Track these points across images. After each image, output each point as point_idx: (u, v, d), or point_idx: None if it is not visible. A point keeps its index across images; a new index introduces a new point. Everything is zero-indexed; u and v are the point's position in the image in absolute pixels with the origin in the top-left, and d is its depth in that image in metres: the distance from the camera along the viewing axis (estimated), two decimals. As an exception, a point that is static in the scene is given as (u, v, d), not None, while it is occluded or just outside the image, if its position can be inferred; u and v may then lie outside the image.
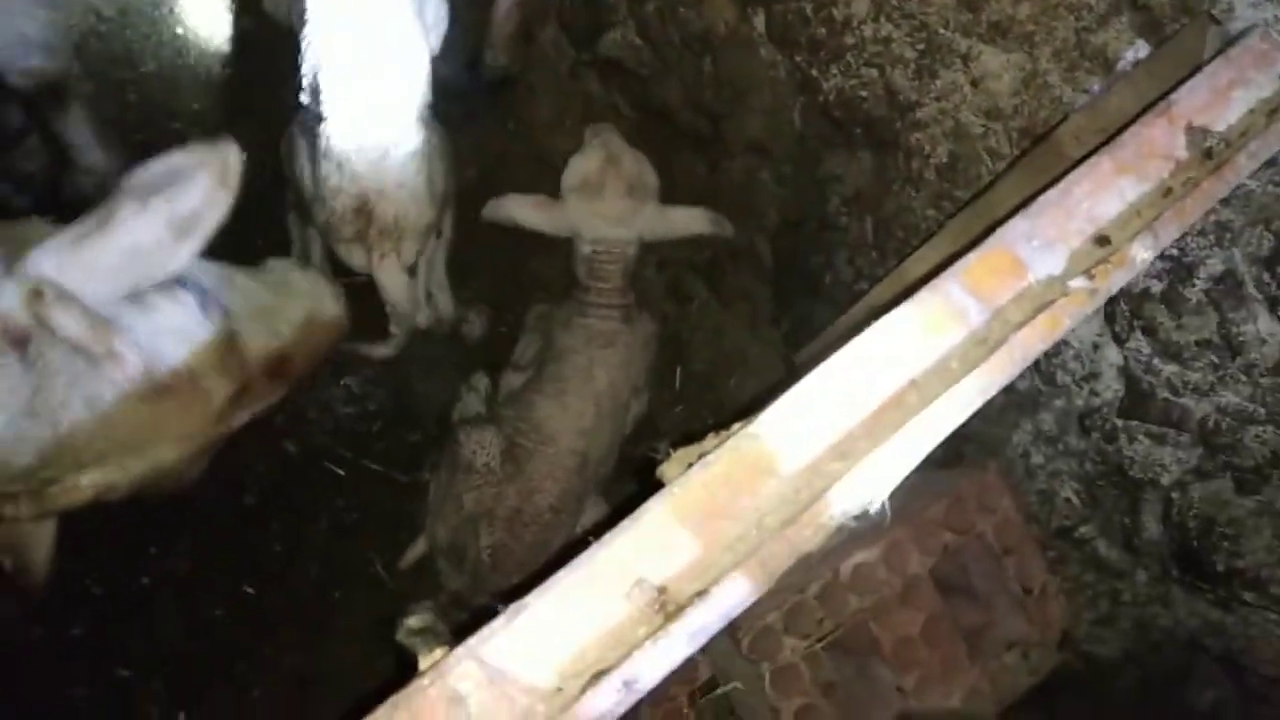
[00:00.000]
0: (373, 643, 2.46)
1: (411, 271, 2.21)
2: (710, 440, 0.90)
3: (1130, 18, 1.66)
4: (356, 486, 2.48)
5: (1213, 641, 2.10)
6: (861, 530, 1.89)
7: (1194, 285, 1.80)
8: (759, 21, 2.42)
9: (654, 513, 0.84)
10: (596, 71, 2.95)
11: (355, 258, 2.15)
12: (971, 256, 0.97)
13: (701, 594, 0.80)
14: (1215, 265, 1.74)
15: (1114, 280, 0.98)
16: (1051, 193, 1.02)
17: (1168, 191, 1.05)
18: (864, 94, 2.29)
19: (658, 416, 2.73)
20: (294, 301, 1.80)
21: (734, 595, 0.80)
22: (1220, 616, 2.07)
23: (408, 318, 2.25)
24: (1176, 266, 1.78)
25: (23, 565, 1.65)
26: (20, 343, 1.31)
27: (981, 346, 0.94)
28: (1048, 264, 0.98)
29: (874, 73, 2.20)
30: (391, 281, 2.16)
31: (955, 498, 2.12)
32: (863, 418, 0.90)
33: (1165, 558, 2.11)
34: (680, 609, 0.79)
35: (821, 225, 2.52)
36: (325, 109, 2.03)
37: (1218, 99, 1.10)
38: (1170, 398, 1.94)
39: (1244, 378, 1.82)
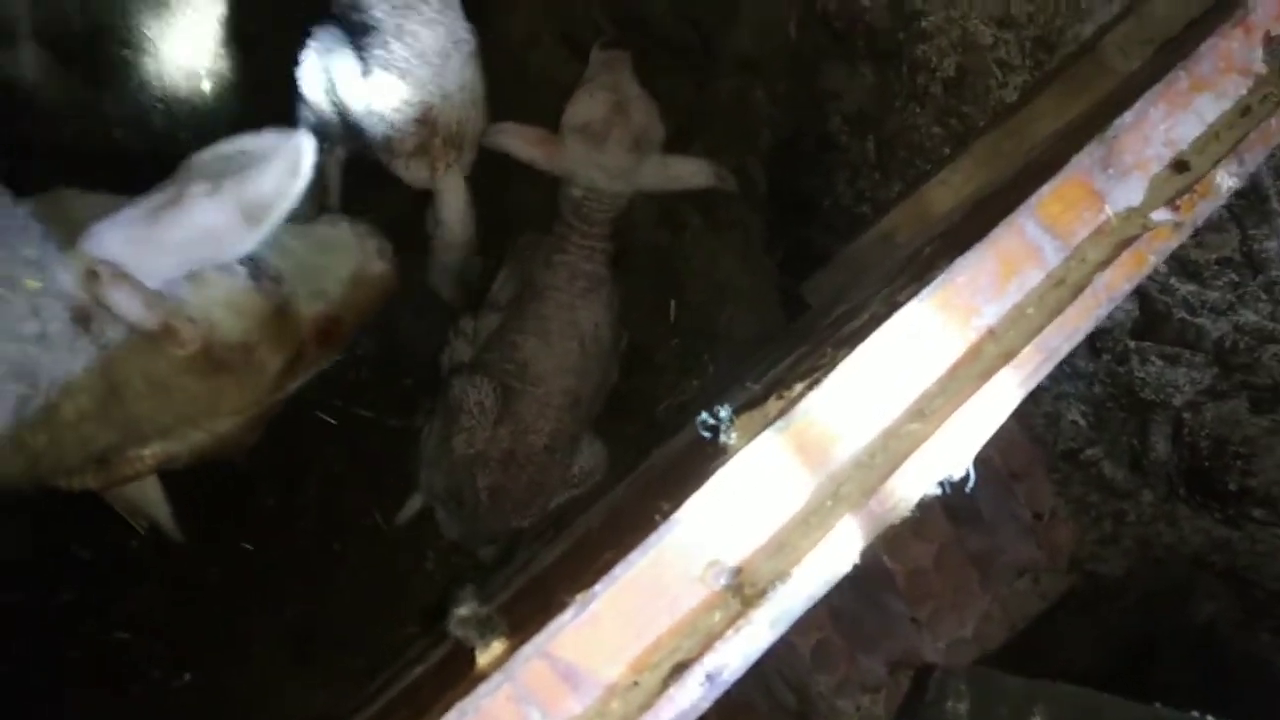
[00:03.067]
0: (374, 593, 2.41)
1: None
2: (774, 404, 0.83)
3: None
4: (348, 435, 2.40)
5: (1218, 558, 2.12)
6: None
7: (1216, 201, 1.74)
8: (751, -76, 2.27)
9: (722, 487, 0.77)
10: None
11: (416, 172, 2.06)
12: (1045, 188, 0.89)
13: (782, 575, 0.74)
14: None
15: (1199, 211, 0.91)
16: (1127, 115, 0.93)
17: (1245, 110, 0.97)
18: (865, 2, 2.16)
19: (654, 350, 2.65)
20: (340, 257, 1.78)
21: (816, 574, 0.74)
22: (1227, 534, 2.08)
23: (463, 235, 2.17)
24: (1201, 183, 1.72)
25: (152, 523, 1.82)
26: (84, 320, 1.32)
27: (1060, 288, 0.86)
28: (1126, 195, 0.91)
29: (878, -21, 2.08)
30: (455, 192, 2.09)
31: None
32: (939, 374, 0.83)
33: (1173, 477, 2.11)
34: (760, 592, 0.73)
35: (820, 146, 2.41)
36: (376, 16, 1.92)
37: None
38: (1186, 317, 1.90)
39: (1264, 296, 1.78)
